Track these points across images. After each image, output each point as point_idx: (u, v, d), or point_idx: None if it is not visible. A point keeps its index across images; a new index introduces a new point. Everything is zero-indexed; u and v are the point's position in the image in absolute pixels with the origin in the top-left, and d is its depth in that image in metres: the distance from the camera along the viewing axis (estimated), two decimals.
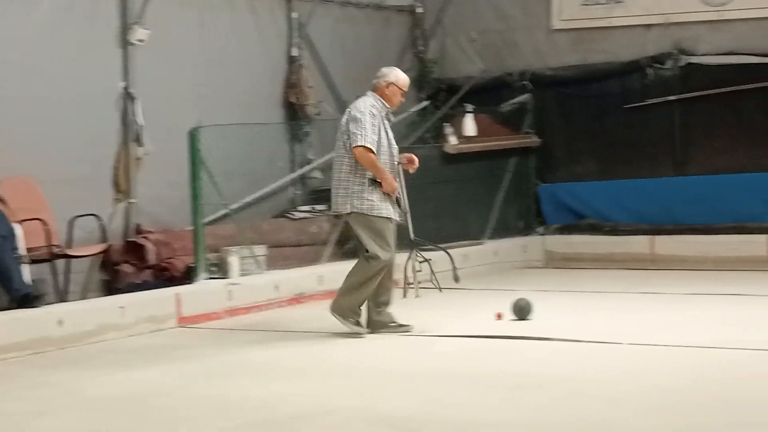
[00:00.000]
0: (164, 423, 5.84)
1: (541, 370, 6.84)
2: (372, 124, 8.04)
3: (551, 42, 13.19)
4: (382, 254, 8.06)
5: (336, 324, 8.85)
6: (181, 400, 6.35)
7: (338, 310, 8.22)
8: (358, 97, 8.37)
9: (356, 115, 8.06)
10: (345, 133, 8.12)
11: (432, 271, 8.75)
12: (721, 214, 12.04)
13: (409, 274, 8.63)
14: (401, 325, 8.28)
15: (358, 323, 8.23)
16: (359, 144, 7.97)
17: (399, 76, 8.27)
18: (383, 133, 8.13)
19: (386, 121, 8.24)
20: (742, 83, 12.16)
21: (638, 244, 12.33)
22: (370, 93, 8.26)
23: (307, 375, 6.96)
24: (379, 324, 8.30)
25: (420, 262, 8.64)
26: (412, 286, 8.62)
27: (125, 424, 5.86)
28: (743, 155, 12.25)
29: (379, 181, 8.06)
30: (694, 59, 12.45)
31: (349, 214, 8.18)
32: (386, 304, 8.31)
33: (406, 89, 8.37)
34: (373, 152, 8.00)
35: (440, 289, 8.75)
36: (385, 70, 8.36)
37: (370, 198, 8.08)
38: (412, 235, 8.57)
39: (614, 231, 12.58)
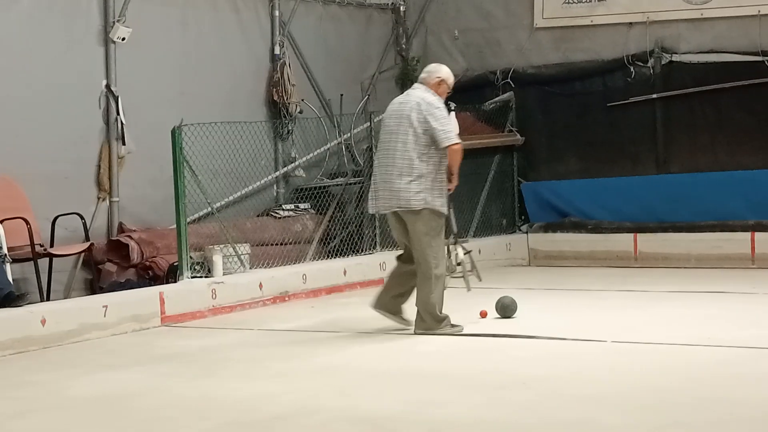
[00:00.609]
0: (145, 423, 5.83)
1: (524, 368, 6.85)
2: (449, 119, 8.04)
3: (534, 40, 13.22)
4: (437, 262, 7.94)
5: (320, 322, 8.86)
6: (163, 400, 6.34)
7: (426, 327, 7.99)
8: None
9: (435, 111, 7.94)
10: (419, 127, 7.91)
11: (473, 264, 8.65)
12: (704, 212, 12.08)
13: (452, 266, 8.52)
14: (404, 320, 8.23)
15: (452, 325, 8.05)
16: (455, 141, 7.94)
17: (449, 75, 8.22)
18: None
19: None
20: (723, 81, 12.21)
21: (621, 242, 12.37)
22: (421, 86, 8.13)
23: (290, 374, 6.95)
24: (387, 306, 8.18)
25: (465, 253, 8.60)
26: (459, 275, 8.56)
27: (106, 425, 5.84)
28: (725, 153, 12.31)
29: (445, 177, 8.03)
30: (675, 57, 12.50)
31: (420, 210, 7.94)
32: (404, 295, 8.21)
33: (451, 89, 8.32)
34: None
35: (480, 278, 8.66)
36: (434, 66, 8.30)
37: (440, 195, 8.01)
38: (454, 229, 8.54)
39: (597, 229, 12.62)
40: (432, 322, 7.99)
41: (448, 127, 7.96)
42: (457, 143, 7.94)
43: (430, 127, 7.90)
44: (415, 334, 7.99)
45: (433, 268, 7.93)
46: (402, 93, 13.34)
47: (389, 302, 8.21)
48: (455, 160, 7.99)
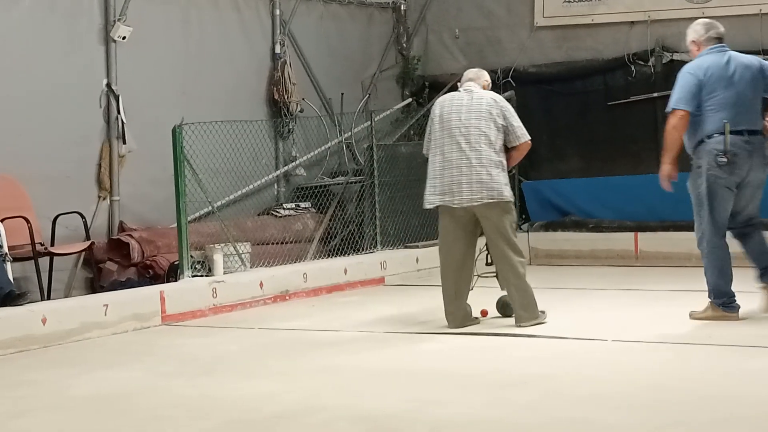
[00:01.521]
0: (145, 422, 5.82)
1: (525, 367, 6.84)
2: None
3: (535, 39, 13.22)
4: (522, 255, 8.25)
5: (320, 321, 8.86)
6: (164, 399, 6.33)
7: (527, 319, 8.11)
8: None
9: (510, 108, 8.25)
10: (498, 122, 8.11)
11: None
12: None
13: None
14: (477, 318, 8.41)
15: (542, 312, 8.24)
16: (529, 138, 8.26)
17: (490, 80, 8.59)
18: None
19: None
20: None
21: (622, 240, 12.35)
22: (477, 85, 8.34)
23: (291, 373, 6.94)
24: (468, 318, 8.32)
25: None
26: (492, 274, 8.61)
27: (105, 424, 5.84)
28: None
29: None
30: (676, 56, 12.49)
31: (509, 201, 8.15)
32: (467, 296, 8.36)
33: None
34: None
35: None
36: (477, 71, 8.53)
37: (510, 187, 8.27)
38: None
39: (598, 228, 12.61)
40: (534, 310, 8.15)
41: (521, 123, 8.27)
42: (530, 139, 8.28)
43: (509, 123, 8.18)
44: (520, 327, 8.04)
45: (521, 262, 8.17)
46: (402, 92, 13.68)
47: (467, 312, 8.29)
48: (522, 155, 8.31)
